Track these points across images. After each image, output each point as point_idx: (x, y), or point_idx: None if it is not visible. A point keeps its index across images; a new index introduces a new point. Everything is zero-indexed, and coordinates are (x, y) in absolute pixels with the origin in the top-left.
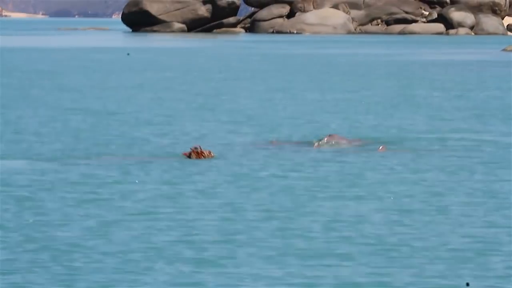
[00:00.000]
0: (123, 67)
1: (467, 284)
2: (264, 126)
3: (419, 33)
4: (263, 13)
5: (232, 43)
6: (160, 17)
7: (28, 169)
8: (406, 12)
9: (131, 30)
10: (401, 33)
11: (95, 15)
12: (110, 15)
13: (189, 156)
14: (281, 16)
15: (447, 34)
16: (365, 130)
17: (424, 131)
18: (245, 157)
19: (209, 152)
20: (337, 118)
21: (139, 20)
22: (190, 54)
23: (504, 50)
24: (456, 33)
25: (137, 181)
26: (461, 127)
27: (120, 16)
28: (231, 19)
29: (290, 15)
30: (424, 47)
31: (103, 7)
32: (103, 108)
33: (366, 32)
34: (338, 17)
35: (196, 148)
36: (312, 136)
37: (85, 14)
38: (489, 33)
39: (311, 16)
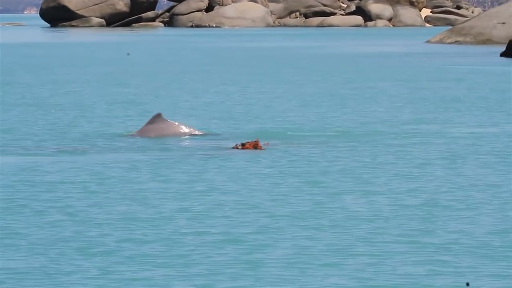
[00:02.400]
0: (63, 62)
1: (467, 284)
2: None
3: (337, 26)
4: (182, 7)
5: (156, 37)
6: (79, 12)
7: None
8: (324, 5)
9: (49, 26)
10: (320, 25)
11: (6, 11)
12: (22, 11)
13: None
14: (199, 10)
15: (366, 26)
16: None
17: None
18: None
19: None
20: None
21: (57, 15)
22: (116, 48)
23: (427, 41)
24: (375, 25)
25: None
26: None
27: (31, 11)
28: (150, 14)
29: (209, 9)
30: (347, 40)
31: (14, 3)
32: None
33: (285, 25)
34: (257, 10)
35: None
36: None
37: None
38: (407, 25)
39: (230, 10)
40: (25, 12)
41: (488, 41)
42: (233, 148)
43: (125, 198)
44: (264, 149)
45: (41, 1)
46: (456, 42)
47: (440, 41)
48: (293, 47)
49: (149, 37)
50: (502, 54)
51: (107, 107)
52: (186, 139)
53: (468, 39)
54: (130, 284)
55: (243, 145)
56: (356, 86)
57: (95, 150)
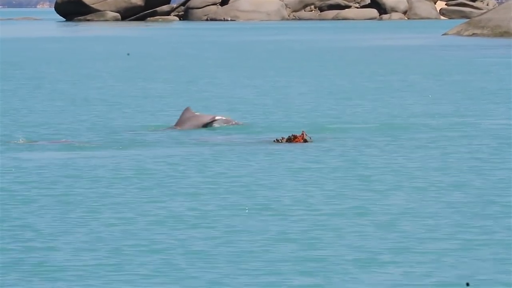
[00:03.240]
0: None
1: (467, 284)
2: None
3: (352, 19)
4: (197, 1)
5: (174, 31)
6: (94, 6)
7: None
8: None
9: (64, 20)
10: (335, 18)
11: (19, 5)
12: (35, 5)
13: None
14: (214, 4)
15: (381, 19)
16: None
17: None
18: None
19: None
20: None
21: (72, 9)
22: (136, 42)
23: (445, 34)
24: (390, 18)
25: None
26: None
27: (44, 6)
28: (165, 7)
29: (224, 2)
30: (365, 33)
31: None
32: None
33: (300, 18)
34: (272, 3)
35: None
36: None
37: (9, 4)
38: (422, 18)
39: (245, 3)
40: (38, 7)
41: (505, 34)
42: (276, 141)
43: (187, 194)
44: (311, 141)
45: None
46: (474, 34)
47: (458, 34)
48: (313, 40)
49: (166, 31)
50: None
51: (140, 101)
52: (224, 131)
53: (485, 31)
54: (195, 279)
55: (289, 139)
56: (385, 79)
57: (141, 143)
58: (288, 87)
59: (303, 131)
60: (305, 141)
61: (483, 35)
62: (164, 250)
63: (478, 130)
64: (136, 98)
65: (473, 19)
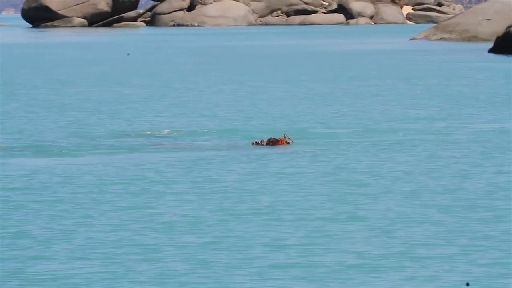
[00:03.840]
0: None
1: (467, 284)
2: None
3: (319, 24)
4: (163, 6)
5: (142, 37)
6: (61, 12)
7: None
8: (306, 3)
9: (31, 26)
10: (302, 24)
11: None
12: (0, 12)
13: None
14: (181, 9)
15: (347, 24)
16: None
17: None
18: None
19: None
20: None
21: (39, 16)
22: (108, 48)
23: (412, 39)
24: (356, 23)
25: None
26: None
27: (9, 12)
28: (132, 13)
29: (191, 8)
30: (333, 38)
31: None
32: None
33: (267, 24)
34: (239, 9)
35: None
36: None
37: None
38: (388, 23)
39: (212, 9)
40: (3, 13)
41: (473, 38)
42: (255, 143)
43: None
44: (293, 143)
45: (19, 2)
46: (442, 39)
47: (426, 38)
48: (283, 46)
49: (134, 36)
50: (490, 51)
51: (117, 107)
52: (206, 137)
53: (453, 36)
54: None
55: (270, 141)
56: (361, 84)
57: (122, 149)
58: (265, 93)
59: (285, 134)
60: (287, 143)
61: (451, 39)
62: (161, 257)
63: (462, 134)
64: (112, 103)
65: (441, 24)
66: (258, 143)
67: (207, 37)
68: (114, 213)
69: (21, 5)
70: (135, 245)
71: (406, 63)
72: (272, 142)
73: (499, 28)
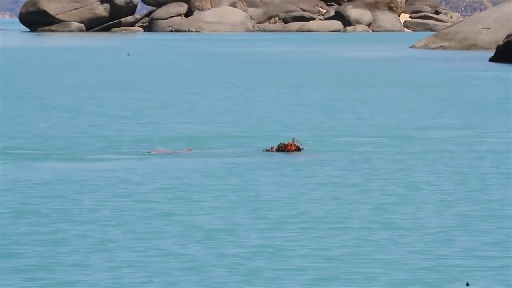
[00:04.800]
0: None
1: (467, 284)
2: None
3: (317, 31)
4: (161, 12)
5: (140, 42)
6: (58, 16)
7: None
8: (304, 10)
9: (29, 30)
10: (299, 30)
11: None
12: None
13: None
14: (179, 15)
15: (345, 31)
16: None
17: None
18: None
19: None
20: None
21: (36, 20)
22: (108, 52)
23: (412, 46)
24: (354, 30)
25: None
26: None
27: (4, 16)
28: (129, 18)
29: (188, 13)
30: (331, 45)
31: None
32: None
33: (264, 30)
34: (236, 15)
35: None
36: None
37: None
38: (386, 30)
39: (210, 15)
40: None
41: (473, 46)
42: (266, 151)
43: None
44: (304, 148)
45: (14, 6)
46: (441, 47)
47: (425, 46)
48: (283, 52)
49: (133, 41)
50: (491, 59)
51: (133, 112)
52: (222, 144)
53: (453, 44)
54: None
55: (280, 147)
56: (371, 92)
57: (144, 155)
58: (275, 99)
59: (293, 138)
60: (298, 148)
61: (450, 47)
62: (203, 265)
63: (479, 143)
64: (128, 108)
65: (440, 32)
66: (268, 150)
67: (206, 42)
68: (150, 221)
69: (17, 9)
70: (174, 254)
71: (412, 71)
72: (282, 148)
73: (499, 37)
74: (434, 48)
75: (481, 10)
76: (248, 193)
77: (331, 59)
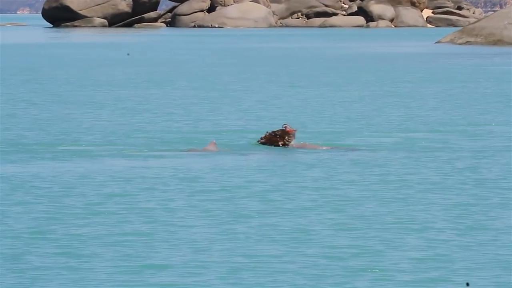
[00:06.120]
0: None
1: (467, 284)
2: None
3: (339, 26)
4: (184, 7)
5: (166, 38)
6: (81, 12)
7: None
8: (326, 6)
9: (51, 26)
10: (322, 26)
11: None
12: (15, 11)
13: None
14: (201, 11)
15: (367, 27)
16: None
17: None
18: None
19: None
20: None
21: (59, 16)
22: (135, 48)
23: (438, 42)
24: (376, 26)
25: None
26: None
27: (24, 11)
28: (152, 14)
29: (211, 9)
30: (357, 40)
31: (7, 3)
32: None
33: (287, 26)
34: (259, 10)
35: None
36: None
37: None
38: (409, 26)
39: (232, 10)
40: (18, 12)
41: (499, 42)
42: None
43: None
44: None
45: (33, 1)
46: (467, 42)
47: (451, 42)
48: (310, 48)
49: (158, 37)
50: None
51: (177, 109)
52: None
53: (479, 39)
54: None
55: (277, 135)
56: (409, 88)
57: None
58: (319, 95)
59: (284, 124)
60: (293, 131)
61: (476, 43)
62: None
63: None
64: (172, 105)
65: (466, 27)
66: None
67: (231, 38)
68: (212, 221)
69: (36, 5)
70: (245, 255)
71: (447, 67)
72: (281, 136)
73: None
74: (460, 44)
75: (501, 5)
76: (325, 191)
77: (361, 54)
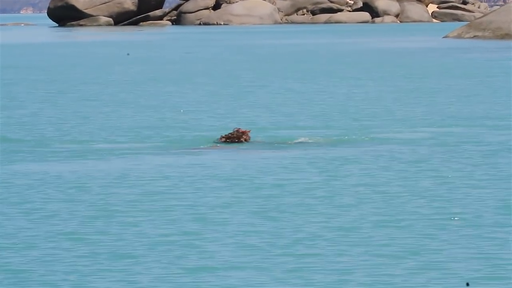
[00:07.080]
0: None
1: (467, 284)
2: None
3: (345, 22)
4: (189, 5)
5: (174, 35)
6: (86, 11)
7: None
8: (331, 2)
9: (57, 25)
10: (327, 22)
11: (2, 11)
12: (18, 11)
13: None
14: (207, 8)
15: (373, 22)
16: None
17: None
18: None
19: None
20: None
21: (65, 15)
22: (143, 47)
23: (445, 36)
24: (382, 21)
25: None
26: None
27: (27, 11)
28: (158, 12)
29: (216, 6)
30: (364, 36)
31: (11, 3)
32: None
33: (292, 22)
34: (264, 7)
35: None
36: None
37: None
38: (414, 21)
39: (238, 7)
40: (21, 12)
41: (506, 36)
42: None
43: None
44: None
45: (37, 1)
46: (475, 37)
47: (459, 36)
48: (319, 44)
49: (165, 35)
50: None
51: (203, 105)
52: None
53: (486, 34)
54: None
55: (234, 136)
56: (428, 82)
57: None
58: (340, 92)
59: (235, 128)
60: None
61: (484, 37)
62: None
63: None
64: (199, 102)
65: (473, 22)
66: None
67: (238, 35)
68: (254, 220)
69: (40, 4)
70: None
71: (461, 61)
72: (237, 137)
73: None
74: (468, 38)
75: (504, 0)
76: (361, 188)
77: (372, 50)
